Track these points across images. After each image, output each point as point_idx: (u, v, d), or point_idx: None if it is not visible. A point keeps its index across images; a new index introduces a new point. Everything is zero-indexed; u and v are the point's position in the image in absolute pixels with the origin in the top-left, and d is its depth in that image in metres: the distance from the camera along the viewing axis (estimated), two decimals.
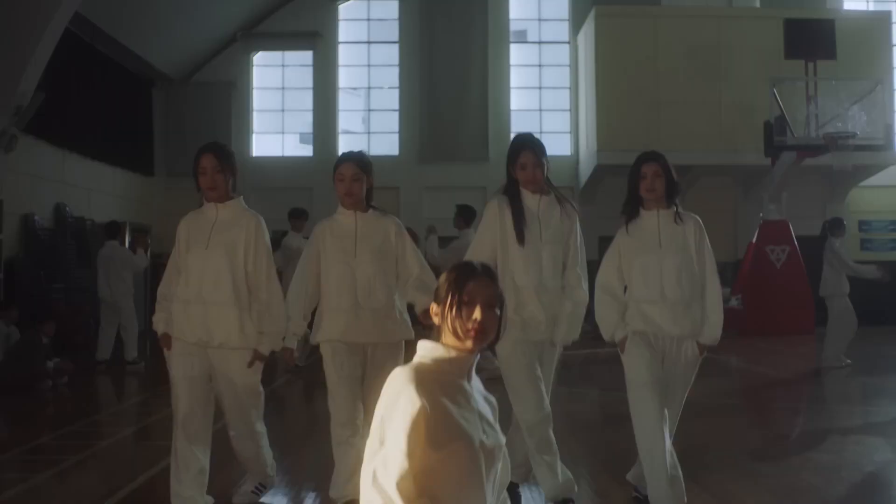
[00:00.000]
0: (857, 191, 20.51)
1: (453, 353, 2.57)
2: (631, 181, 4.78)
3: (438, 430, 2.42)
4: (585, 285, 4.92)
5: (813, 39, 15.60)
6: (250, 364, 4.77)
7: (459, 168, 20.25)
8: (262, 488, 5.10)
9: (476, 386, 2.64)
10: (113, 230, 12.50)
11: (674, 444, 4.58)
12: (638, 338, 4.68)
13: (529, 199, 4.89)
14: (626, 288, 4.81)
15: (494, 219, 4.88)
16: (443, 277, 2.67)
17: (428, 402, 2.43)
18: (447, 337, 2.59)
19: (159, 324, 4.77)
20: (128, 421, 7.97)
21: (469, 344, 2.57)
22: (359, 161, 4.95)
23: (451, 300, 2.59)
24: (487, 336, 2.60)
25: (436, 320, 2.63)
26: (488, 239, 4.90)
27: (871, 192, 20.64)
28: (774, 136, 15.35)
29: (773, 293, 16.25)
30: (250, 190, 19.74)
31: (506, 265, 4.81)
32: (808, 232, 19.54)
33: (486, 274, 2.66)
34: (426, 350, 2.60)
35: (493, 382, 3.77)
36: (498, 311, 2.62)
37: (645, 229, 4.76)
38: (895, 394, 9.94)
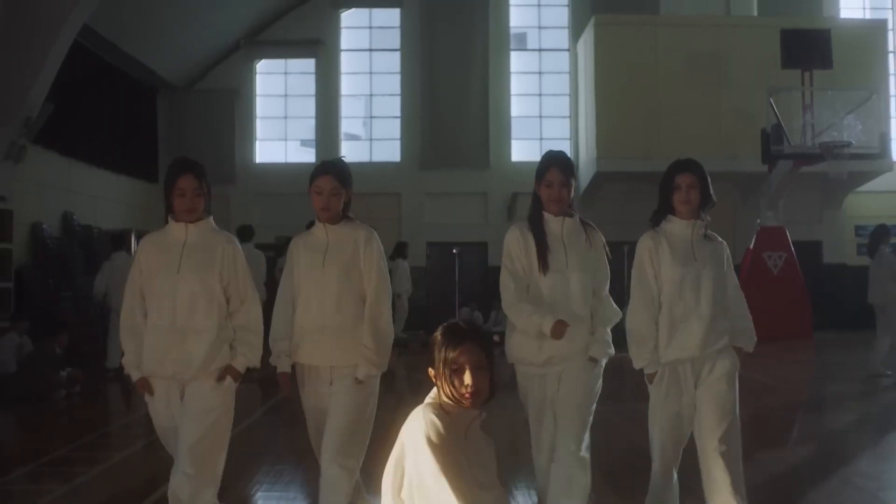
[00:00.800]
0: (853, 196, 20.72)
1: (454, 412, 2.83)
2: (663, 190, 4.49)
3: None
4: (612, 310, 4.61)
5: (809, 49, 15.80)
6: (221, 378, 4.36)
7: (460, 174, 20.50)
8: None
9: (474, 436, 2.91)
10: (119, 241, 12.72)
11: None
12: (667, 375, 4.41)
13: (553, 223, 4.56)
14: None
15: (517, 245, 4.55)
16: (431, 343, 2.91)
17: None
18: (444, 397, 2.84)
19: (131, 368, 4.35)
20: (140, 432, 8.17)
21: (466, 405, 2.83)
22: (338, 174, 4.54)
23: (442, 370, 2.83)
24: (481, 396, 2.85)
25: (433, 379, 2.88)
26: (518, 268, 4.55)
27: (868, 198, 20.84)
28: (771, 144, 15.56)
29: (771, 299, 16.39)
30: (254, 196, 20.11)
31: (533, 294, 4.51)
32: (805, 237, 19.86)
33: (472, 336, 2.88)
34: (431, 408, 2.85)
35: None
36: (488, 372, 2.85)
37: (677, 240, 4.47)
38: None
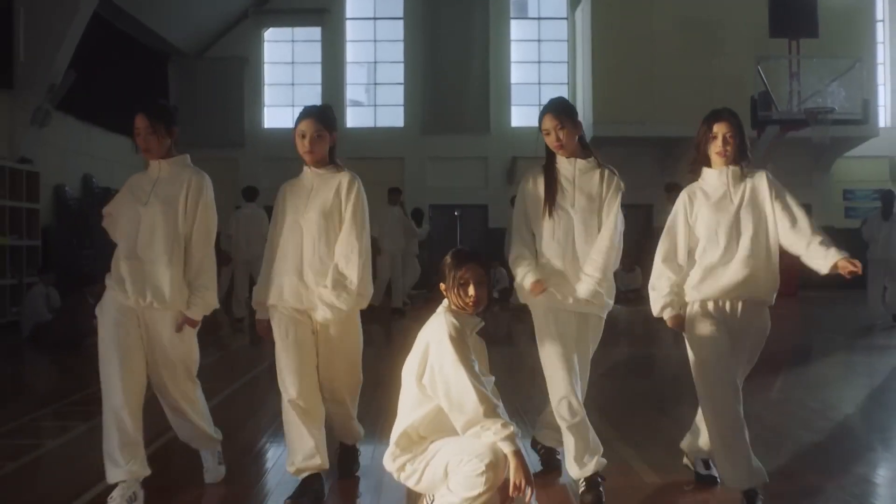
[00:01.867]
0: (841, 161, 21.37)
1: (462, 315, 3.68)
2: (700, 140, 4.45)
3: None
4: (614, 252, 4.54)
5: (796, 19, 16.28)
6: (178, 328, 4.47)
7: (462, 139, 21.13)
8: (220, 456, 4.84)
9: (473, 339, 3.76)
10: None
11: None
12: (705, 313, 4.32)
13: (564, 165, 4.59)
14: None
15: (523, 190, 4.68)
16: (443, 264, 3.74)
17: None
18: (453, 305, 3.70)
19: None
20: None
21: (470, 312, 3.69)
22: (320, 116, 4.55)
23: (451, 284, 3.68)
24: (482, 304, 3.72)
25: (444, 292, 3.73)
26: (521, 211, 4.68)
27: (855, 163, 21.53)
28: (759, 110, 16.15)
29: None
30: (262, 160, 20.74)
31: (537, 235, 4.63)
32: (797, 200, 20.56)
33: (475, 258, 3.73)
34: (445, 314, 3.67)
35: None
36: (487, 286, 3.73)
37: (712, 189, 4.42)
38: None
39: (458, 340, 3.50)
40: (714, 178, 4.40)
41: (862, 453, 5.42)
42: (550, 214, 4.52)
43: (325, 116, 4.54)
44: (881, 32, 22.01)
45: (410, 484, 3.58)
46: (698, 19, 18.91)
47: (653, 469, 4.89)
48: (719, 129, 4.36)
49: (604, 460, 4.35)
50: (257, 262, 5.71)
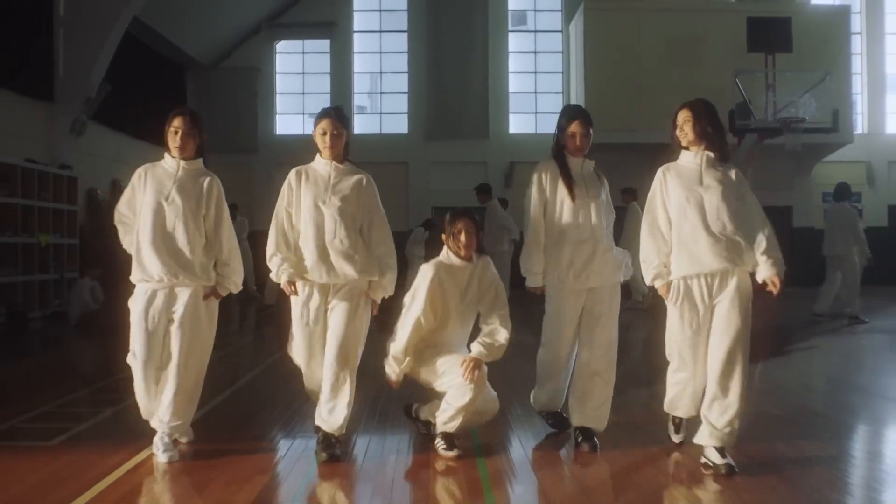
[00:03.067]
0: (821, 165, 22.55)
1: (455, 259, 5.11)
2: (673, 127, 4.96)
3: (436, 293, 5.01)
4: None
5: (772, 35, 17.50)
6: (206, 297, 5.01)
7: (462, 144, 22.32)
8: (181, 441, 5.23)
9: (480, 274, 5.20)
10: None
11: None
12: (682, 289, 4.76)
13: (574, 162, 5.25)
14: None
15: (549, 176, 5.23)
16: (444, 221, 5.20)
17: (435, 276, 5.03)
18: (451, 252, 5.14)
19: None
20: None
21: (463, 255, 5.11)
22: (338, 116, 5.12)
23: (448, 234, 5.14)
24: (472, 250, 5.13)
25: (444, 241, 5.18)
26: (537, 200, 5.24)
27: (834, 167, 22.63)
28: (737, 120, 17.37)
29: None
30: (275, 165, 21.90)
31: (553, 222, 5.20)
32: (777, 203, 21.78)
33: (466, 215, 5.18)
34: (444, 254, 5.12)
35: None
36: (476, 236, 5.14)
37: (685, 169, 4.83)
38: None
39: (434, 281, 5.02)
40: (689, 158, 4.85)
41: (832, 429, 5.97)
42: (574, 202, 5.13)
43: (342, 116, 5.15)
44: (858, 44, 23.29)
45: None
46: (683, 34, 20.13)
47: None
48: (679, 116, 4.91)
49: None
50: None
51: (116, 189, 17.39)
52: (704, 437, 4.67)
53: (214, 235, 5.09)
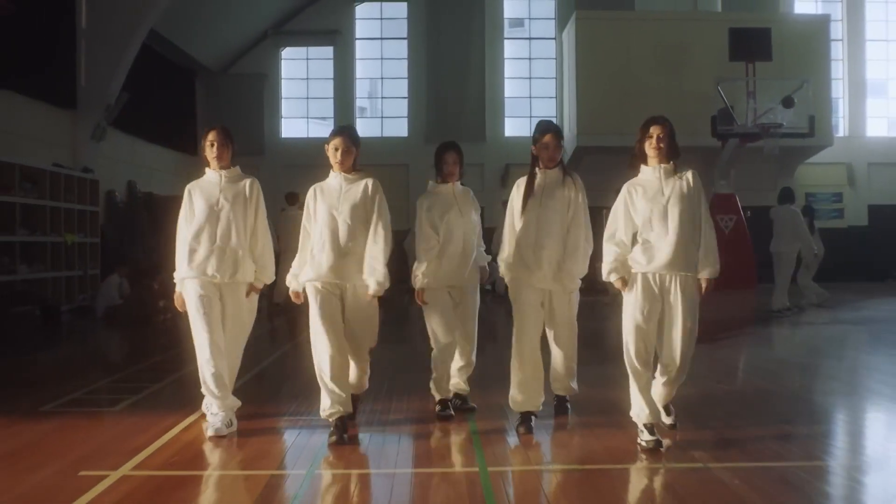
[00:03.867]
0: (803, 167, 23.57)
1: (441, 184, 6.10)
2: (638, 140, 5.32)
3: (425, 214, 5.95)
4: (588, 246, 5.72)
5: (752, 45, 18.50)
6: (248, 294, 5.75)
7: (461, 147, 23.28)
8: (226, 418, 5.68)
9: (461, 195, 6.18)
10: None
11: None
12: (640, 281, 5.23)
13: (540, 174, 5.73)
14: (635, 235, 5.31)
15: (516, 191, 5.81)
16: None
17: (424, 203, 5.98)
18: (439, 179, 6.11)
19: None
20: None
21: (449, 182, 6.12)
22: (350, 134, 5.65)
23: (437, 163, 6.07)
24: (455, 177, 6.12)
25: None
26: (515, 206, 5.77)
27: (816, 168, 23.73)
28: (719, 125, 18.40)
29: (722, 254, 19.26)
30: (281, 166, 22.97)
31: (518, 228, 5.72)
32: (761, 203, 22.70)
33: (451, 146, 6.13)
34: (431, 183, 6.11)
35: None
36: (459, 164, 6.13)
37: (648, 182, 5.26)
38: None
39: (421, 211, 6.05)
40: (649, 174, 5.28)
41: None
42: (523, 212, 5.67)
43: (353, 134, 5.65)
44: (841, 51, 24.31)
45: None
46: (669, 43, 21.09)
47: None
48: (654, 130, 5.25)
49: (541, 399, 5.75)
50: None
51: (132, 190, 18.39)
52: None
53: (253, 231, 5.72)
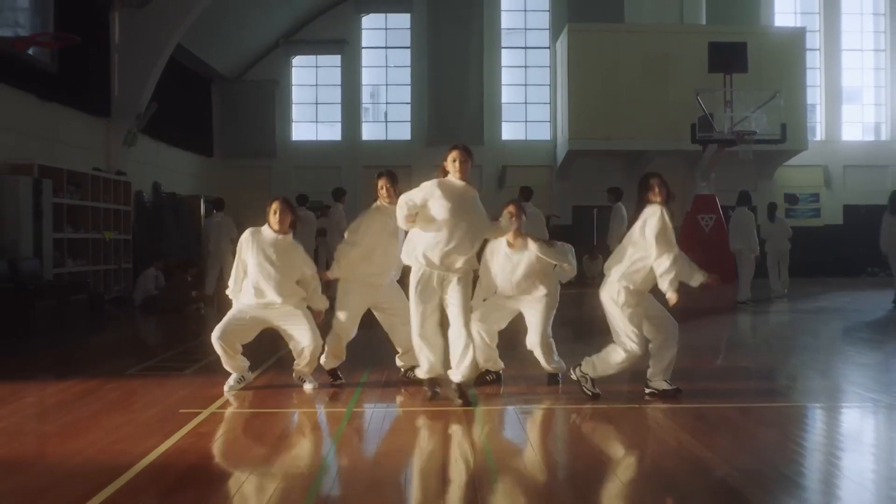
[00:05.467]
0: (782, 169, 25.07)
1: (452, 184, 6.74)
2: (641, 188, 6.56)
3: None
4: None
5: (729, 58, 19.98)
6: (316, 319, 7.10)
7: None
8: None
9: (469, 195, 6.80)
10: (219, 204, 17.21)
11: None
12: (637, 296, 6.58)
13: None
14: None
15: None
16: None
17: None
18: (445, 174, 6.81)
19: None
20: None
21: (457, 178, 6.72)
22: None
23: (445, 160, 6.51)
24: (465, 174, 6.49)
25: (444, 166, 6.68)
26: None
27: (794, 171, 25.20)
28: (698, 132, 19.90)
29: (703, 251, 20.47)
30: (291, 168, 24.47)
31: None
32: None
33: (460, 147, 6.56)
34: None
35: None
36: (468, 164, 6.53)
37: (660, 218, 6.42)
38: None
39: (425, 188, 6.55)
40: (648, 212, 6.50)
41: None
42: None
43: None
44: (818, 59, 25.82)
45: None
46: (656, 54, 22.56)
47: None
48: (653, 181, 6.54)
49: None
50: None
51: (157, 191, 19.87)
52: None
53: (303, 275, 7.09)
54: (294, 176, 24.42)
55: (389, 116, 25.80)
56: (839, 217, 25.62)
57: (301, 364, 7.07)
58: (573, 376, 6.85)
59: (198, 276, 16.02)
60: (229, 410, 6.40)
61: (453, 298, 6.51)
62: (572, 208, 24.08)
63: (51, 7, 11.36)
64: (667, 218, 6.40)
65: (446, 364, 6.60)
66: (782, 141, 20.27)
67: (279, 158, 24.79)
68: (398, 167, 23.77)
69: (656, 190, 6.50)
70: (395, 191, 7.10)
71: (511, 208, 6.91)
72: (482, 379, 7.31)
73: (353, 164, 24.45)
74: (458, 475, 4.86)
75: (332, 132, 25.67)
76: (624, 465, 5.14)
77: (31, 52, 13.70)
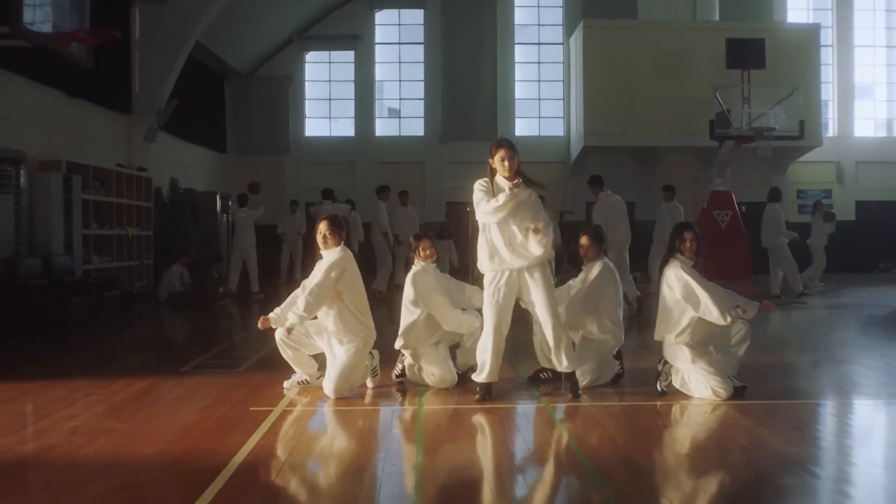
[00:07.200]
0: (795, 165, 25.08)
1: (498, 183, 7.38)
2: (674, 236, 6.85)
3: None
4: None
5: (747, 54, 19.98)
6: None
7: (473, 145, 24.20)
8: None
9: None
10: (243, 199, 17.21)
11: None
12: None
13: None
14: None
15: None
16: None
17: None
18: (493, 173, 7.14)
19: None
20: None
21: (505, 175, 7.31)
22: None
23: (492, 157, 6.48)
24: (513, 171, 6.42)
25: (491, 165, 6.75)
26: None
27: (807, 167, 25.22)
28: (716, 128, 19.90)
29: (719, 247, 20.37)
30: (305, 163, 24.45)
31: None
32: (756, 199, 24.17)
33: (506, 144, 6.51)
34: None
35: None
36: (516, 161, 6.46)
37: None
38: None
39: (479, 189, 6.50)
40: (668, 272, 6.79)
41: None
42: None
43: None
44: (830, 56, 25.85)
45: None
46: (670, 50, 22.58)
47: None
48: (687, 235, 6.82)
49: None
50: None
51: (174, 187, 19.84)
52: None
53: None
54: (307, 170, 24.41)
55: (403, 112, 25.74)
56: (851, 213, 25.60)
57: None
58: (659, 387, 6.86)
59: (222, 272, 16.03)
60: (299, 408, 6.41)
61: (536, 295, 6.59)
62: (585, 204, 24.06)
63: (87, 2, 11.27)
64: (683, 273, 6.64)
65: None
66: (800, 137, 20.30)
67: (293, 154, 24.75)
68: (412, 163, 24.38)
69: (688, 244, 6.75)
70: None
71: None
72: (537, 377, 7.36)
73: (366, 160, 24.47)
74: (548, 473, 4.88)
75: (345, 128, 25.62)
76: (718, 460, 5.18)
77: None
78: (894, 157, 25.65)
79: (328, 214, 7.12)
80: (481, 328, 6.72)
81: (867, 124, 26.25)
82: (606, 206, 13.37)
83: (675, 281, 6.64)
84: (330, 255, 6.78)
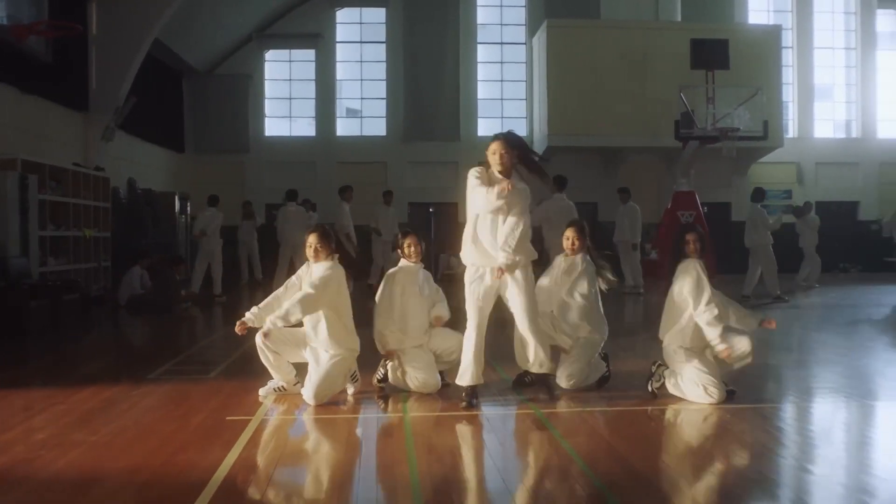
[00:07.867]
0: (756, 166, 25.22)
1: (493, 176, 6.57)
2: (678, 241, 6.90)
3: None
4: None
5: (712, 55, 20.00)
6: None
7: (436, 146, 24.49)
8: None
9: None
10: (214, 200, 16.83)
11: None
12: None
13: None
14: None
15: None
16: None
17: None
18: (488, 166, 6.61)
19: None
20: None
21: (497, 170, 6.33)
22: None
23: (487, 154, 6.32)
24: (507, 168, 6.27)
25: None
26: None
27: (768, 167, 25.34)
28: (681, 129, 19.92)
29: None
30: (265, 163, 24.08)
31: None
32: (717, 199, 24.40)
33: (501, 138, 6.36)
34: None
35: None
36: (509, 158, 6.26)
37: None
38: None
39: (474, 177, 6.42)
40: (681, 268, 6.79)
41: None
42: None
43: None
44: (791, 57, 26.01)
45: None
46: (634, 50, 22.61)
47: None
48: (689, 237, 6.83)
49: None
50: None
51: (132, 187, 19.38)
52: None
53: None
54: (267, 171, 24.07)
55: (365, 112, 25.48)
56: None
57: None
58: (650, 388, 6.78)
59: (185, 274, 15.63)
60: (277, 417, 6.14)
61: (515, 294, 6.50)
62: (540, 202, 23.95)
63: None
64: (700, 270, 6.69)
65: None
66: (764, 137, 20.38)
67: (252, 154, 24.37)
68: (374, 163, 24.10)
69: (692, 246, 6.81)
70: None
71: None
72: (521, 380, 7.16)
73: (327, 160, 24.17)
74: (547, 481, 4.69)
75: (306, 128, 25.29)
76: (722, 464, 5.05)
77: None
78: (853, 158, 25.92)
79: (317, 226, 6.97)
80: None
81: (826, 125, 26.47)
82: (554, 207, 13.32)
83: (689, 276, 6.67)
84: (324, 269, 6.60)
